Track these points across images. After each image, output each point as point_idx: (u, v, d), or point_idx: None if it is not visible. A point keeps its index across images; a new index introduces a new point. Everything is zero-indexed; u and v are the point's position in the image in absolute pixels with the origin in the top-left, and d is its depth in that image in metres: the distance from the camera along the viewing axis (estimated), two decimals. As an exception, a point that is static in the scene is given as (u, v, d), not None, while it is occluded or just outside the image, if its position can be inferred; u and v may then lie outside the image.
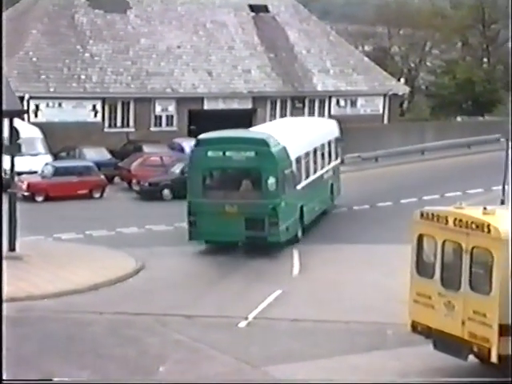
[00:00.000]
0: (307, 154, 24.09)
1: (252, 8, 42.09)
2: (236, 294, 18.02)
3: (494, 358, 12.02)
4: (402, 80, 47.27)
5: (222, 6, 41.56)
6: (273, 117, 39.76)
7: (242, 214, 21.16)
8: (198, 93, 38.09)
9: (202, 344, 14.81)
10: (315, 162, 24.91)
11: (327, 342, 14.89)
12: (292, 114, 39.70)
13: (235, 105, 38.96)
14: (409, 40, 49.79)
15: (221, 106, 38.51)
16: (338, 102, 40.34)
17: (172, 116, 37.69)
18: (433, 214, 13.25)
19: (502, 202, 23.72)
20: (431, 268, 13.22)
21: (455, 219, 12.78)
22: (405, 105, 47.64)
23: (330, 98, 40.25)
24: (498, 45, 48.01)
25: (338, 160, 28.00)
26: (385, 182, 32.22)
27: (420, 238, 13.53)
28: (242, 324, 15.98)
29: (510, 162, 24.68)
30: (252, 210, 21.18)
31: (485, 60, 47.90)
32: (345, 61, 41.44)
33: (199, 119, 37.82)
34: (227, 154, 21.44)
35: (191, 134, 37.10)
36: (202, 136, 22.50)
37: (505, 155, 25.08)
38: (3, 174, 21.76)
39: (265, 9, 42.41)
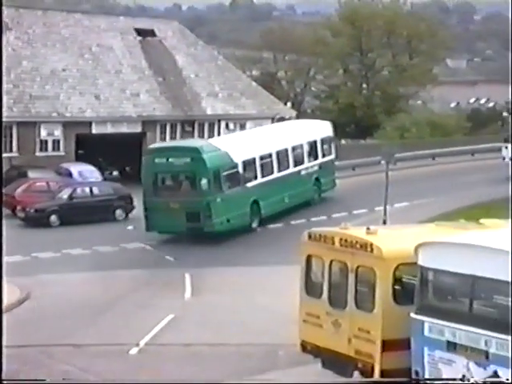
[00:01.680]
0: (266, 156, 28.17)
1: (138, 32, 41.95)
2: (127, 320, 17.75)
3: (376, 374, 12.31)
4: (289, 104, 48.16)
5: (108, 29, 41.23)
6: (163, 140, 39.64)
7: (182, 209, 25.45)
8: (86, 117, 37.56)
9: (90, 374, 14.47)
10: (282, 161, 28.87)
11: (219, 366, 14.85)
12: (182, 138, 39.70)
13: (124, 128, 38.62)
14: (294, 65, 50.87)
15: (109, 129, 38.08)
16: (227, 125, 40.63)
17: (59, 140, 36.97)
18: (320, 235, 13.51)
19: (384, 222, 24.37)
20: (319, 288, 13.45)
21: (341, 239, 13.06)
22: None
23: (219, 121, 40.49)
24: (375, 72, 49.72)
25: (329, 157, 31.71)
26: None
27: (308, 259, 13.75)
28: (133, 351, 15.74)
29: (387, 184, 25.41)
30: (190, 206, 25.45)
31: (364, 86, 49.47)
32: (233, 85, 41.84)
33: (87, 143, 37.25)
34: (170, 160, 25.98)
35: (79, 158, 36.48)
36: (150, 146, 29.43)
37: (385, 177, 25.80)
38: None
39: (152, 33, 42.36)
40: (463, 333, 11.17)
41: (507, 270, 10.76)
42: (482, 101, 73.88)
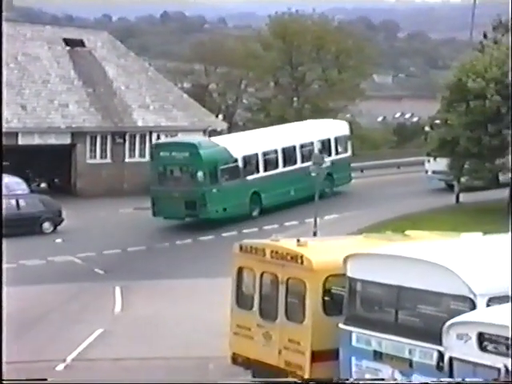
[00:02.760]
0: (270, 152, 31.44)
1: (67, 42, 41.48)
2: (54, 335, 17.47)
3: (306, 385, 12.46)
4: (220, 116, 48.30)
5: (34, 38, 40.64)
6: (93, 152, 39.26)
7: (182, 197, 28.92)
8: (12, 127, 36.86)
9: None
10: (289, 158, 31.97)
11: (149, 381, 14.76)
12: (112, 150, 39.38)
13: (52, 140, 38.08)
14: (225, 78, 51.05)
15: (37, 141, 37.49)
16: (158, 137, 40.49)
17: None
18: (251, 247, 13.61)
19: (315, 234, 24.67)
20: (250, 300, 13.54)
21: (272, 251, 13.18)
22: (224, 140, 48.62)
23: (150, 133, 40.31)
24: (305, 85, 50.38)
25: (344, 154, 34.29)
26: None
27: (240, 271, 13.84)
28: (60, 367, 15.50)
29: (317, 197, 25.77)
30: (188, 195, 28.90)
31: (295, 99, 50.05)
32: (164, 97, 41.75)
33: (13, 155, 36.60)
34: (172, 153, 29.54)
35: (5, 170, 35.76)
36: (157, 141, 34.60)
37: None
38: None
39: (81, 43, 41.94)
40: (389, 342, 11.41)
41: (430, 280, 11.06)
42: (407, 115, 75.54)
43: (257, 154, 30.99)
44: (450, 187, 33.01)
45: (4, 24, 40.84)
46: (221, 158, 29.64)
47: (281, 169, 31.72)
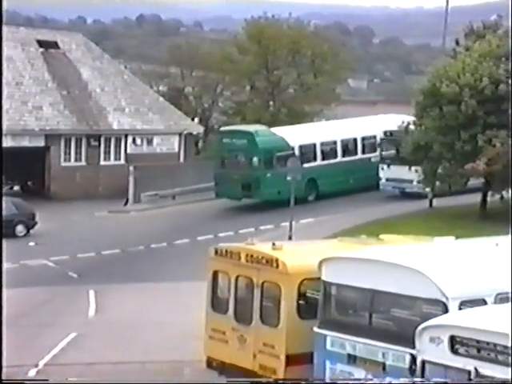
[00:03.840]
0: (328, 143, 33.98)
1: (41, 43, 41.26)
2: (26, 339, 17.31)
3: (281, 389, 12.51)
4: (197, 120, 48.25)
5: (8, 39, 40.29)
6: (67, 155, 39.09)
7: (240, 180, 32.29)
8: (-15, 130, 36.63)
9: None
10: (350, 149, 34.57)
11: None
12: (87, 152, 39.23)
13: (26, 142, 37.87)
14: (201, 81, 51.00)
15: (10, 143, 37.22)
16: (134, 140, 40.43)
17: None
18: (226, 251, 13.64)
19: (290, 238, 24.74)
20: (225, 304, 13.56)
21: (247, 255, 13.22)
22: (200, 144, 48.62)
23: (126, 136, 40.25)
24: (281, 90, 50.53)
25: None
26: (182, 219, 32.58)
27: (215, 274, 13.85)
28: (32, 373, 15.38)
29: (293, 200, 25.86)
30: (245, 178, 32.16)
31: (271, 103, 50.16)
32: (140, 100, 41.68)
33: (-13, 157, 36.30)
34: (233, 140, 32.83)
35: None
36: (221, 129, 37.01)
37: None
38: None
39: (55, 45, 41.74)
40: (362, 346, 11.49)
41: (404, 283, 11.17)
42: (383, 120, 75.70)
43: (314, 144, 33.61)
44: (405, 195, 33.21)
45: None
46: (276, 145, 32.41)
47: (340, 158, 34.26)
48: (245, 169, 32.53)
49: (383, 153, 34.16)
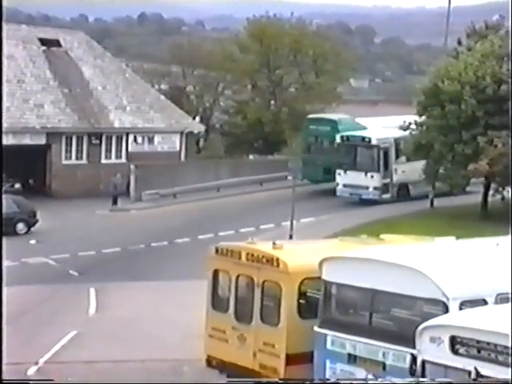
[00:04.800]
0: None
1: (42, 42, 41.21)
2: (27, 337, 17.32)
3: (281, 388, 12.51)
4: (198, 118, 48.25)
5: (9, 37, 40.28)
6: (68, 153, 39.07)
7: (322, 164, 34.26)
8: (-15, 127, 36.61)
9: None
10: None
11: (124, 383, 14.72)
12: (89, 151, 39.22)
13: (27, 140, 37.84)
14: (203, 80, 50.99)
15: (11, 141, 37.21)
16: (135, 138, 40.41)
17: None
18: (227, 250, 13.63)
19: (291, 237, 24.73)
20: (226, 302, 13.56)
21: (247, 254, 13.22)
22: (201, 142, 48.61)
23: (127, 134, 40.22)
24: (283, 89, 50.52)
25: None
26: (183, 218, 32.57)
27: (215, 273, 13.85)
28: (32, 370, 15.38)
29: (294, 199, 25.81)
30: (326, 163, 33.86)
31: (272, 102, 50.15)
32: (141, 98, 41.66)
33: (-13, 155, 36.27)
34: (318, 127, 35.45)
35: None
36: (308, 116, 38.42)
37: (292, 192, 26.19)
38: None
39: (57, 43, 41.70)
40: (363, 345, 11.49)
41: (404, 283, 11.16)
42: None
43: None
44: (364, 202, 32.35)
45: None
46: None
47: None
48: (326, 154, 33.80)
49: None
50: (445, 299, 10.69)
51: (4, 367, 15.32)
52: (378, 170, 32.52)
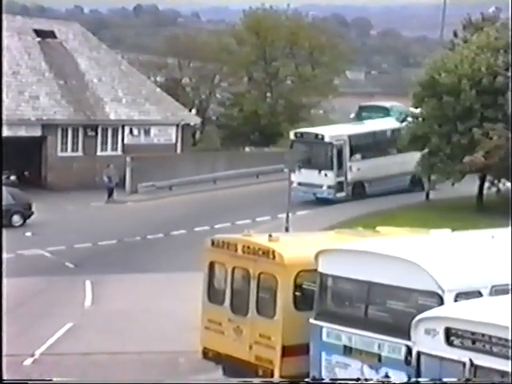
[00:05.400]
0: None
1: (38, 33, 41.07)
2: (22, 329, 17.29)
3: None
4: (194, 111, 48.16)
5: (4, 28, 40.08)
6: (64, 145, 39.00)
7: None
8: (-19, 119, 36.55)
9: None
10: None
11: (120, 375, 14.75)
12: (84, 143, 39.16)
13: (22, 132, 37.76)
14: (199, 72, 50.89)
15: (6, 133, 37.04)
16: (131, 130, 40.34)
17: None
18: (223, 242, 13.65)
19: (287, 229, 24.73)
20: (222, 295, 13.58)
21: (243, 246, 13.23)
22: (197, 135, 48.56)
23: (123, 126, 40.15)
24: (279, 81, 50.46)
25: None
26: (179, 210, 32.57)
27: (211, 265, 13.87)
28: (28, 362, 15.41)
29: (290, 191, 25.74)
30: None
31: (268, 94, 50.09)
32: (137, 90, 41.57)
33: (-17, 147, 36.20)
34: (371, 114, 35.59)
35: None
36: (361, 104, 39.66)
37: (287, 184, 26.17)
38: None
39: (52, 34, 41.54)
40: (358, 337, 11.53)
41: (400, 275, 11.19)
42: (379, 113, 75.71)
43: None
44: (320, 200, 31.05)
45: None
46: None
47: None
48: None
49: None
50: (440, 291, 10.73)
51: (4, 367, 15.35)
52: (331, 168, 31.10)
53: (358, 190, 31.63)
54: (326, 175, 30.82)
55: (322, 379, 11.31)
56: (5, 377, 9.55)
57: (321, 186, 31.16)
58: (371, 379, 10.80)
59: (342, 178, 31.46)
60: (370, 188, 31.85)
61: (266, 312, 12.81)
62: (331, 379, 11.22)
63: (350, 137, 31.64)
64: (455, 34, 32.99)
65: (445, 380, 9.05)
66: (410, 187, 32.50)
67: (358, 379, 10.57)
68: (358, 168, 31.66)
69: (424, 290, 10.89)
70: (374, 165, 31.19)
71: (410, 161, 30.71)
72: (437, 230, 13.40)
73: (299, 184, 30.58)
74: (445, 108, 28.67)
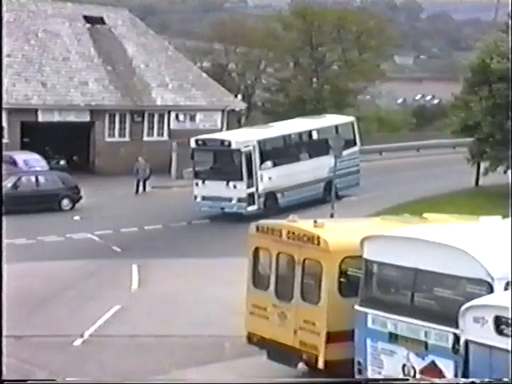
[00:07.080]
0: None
1: (87, 19, 41.43)
2: (72, 311, 17.62)
3: (321, 365, 12.50)
4: (239, 96, 48.16)
5: (55, 15, 40.62)
6: (111, 130, 39.35)
7: None
8: (32, 104, 37.01)
9: (32, 365, 14.35)
10: None
11: (165, 358, 14.88)
12: (131, 128, 39.45)
13: (72, 117, 38.21)
14: (245, 58, 50.87)
15: (56, 118, 37.62)
16: (177, 116, 40.51)
17: (2, 128, 36.38)
18: (267, 228, 13.61)
19: (332, 216, 24.58)
20: (266, 280, 13.56)
21: (288, 232, 13.18)
22: (242, 120, 48.58)
23: (169, 112, 40.34)
24: (325, 66, 50.13)
25: None
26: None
27: (256, 251, 13.85)
28: (77, 342, 15.64)
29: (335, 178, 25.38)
30: None
31: (314, 80, 49.81)
32: (183, 76, 41.70)
33: (33, 131, 36.74)
34: None
35: (24, 146, 35.98)
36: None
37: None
38: None
39: (101, 21, 41.89)
40: (404, 324, 11.41)
41: (448, 263, 11.03)
42: (428, 98, 75.05)
43: None
44: (229, 216, 27.12)
45: (24, 0, 41.16)
46: None
47: None
48: None
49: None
50: (489, 279, 10.55)
51: (43, 339, 15.57)
52: (241, 179, 26.94)
53: (270, 202, 27.59)
54: (235, 187, 26.86)
55: (373, 378, 11.20)
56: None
57: (230, 200, 27.15)
58: (417, 369, 10.67)
59: (252, 189, 27.28)
60: (283, 199, 27.79)
61: (311, 298, 12.77)
62: (381, 379, 11.11)
63: (259, 142, 27.49)
64: (510, 16, 32.29)
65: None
66: (324, 195, 28.65)
67: (407, 379, 10.47)
68: (269, 177, 27.62)
69: (473, 277, 10.72)
70: (285, 173, 27.72)
71: (322, 166, 28.25)
72: (486, 217, 13.17)
73: (203, 198, 27.58)
74: (496, 96, 28.10)
